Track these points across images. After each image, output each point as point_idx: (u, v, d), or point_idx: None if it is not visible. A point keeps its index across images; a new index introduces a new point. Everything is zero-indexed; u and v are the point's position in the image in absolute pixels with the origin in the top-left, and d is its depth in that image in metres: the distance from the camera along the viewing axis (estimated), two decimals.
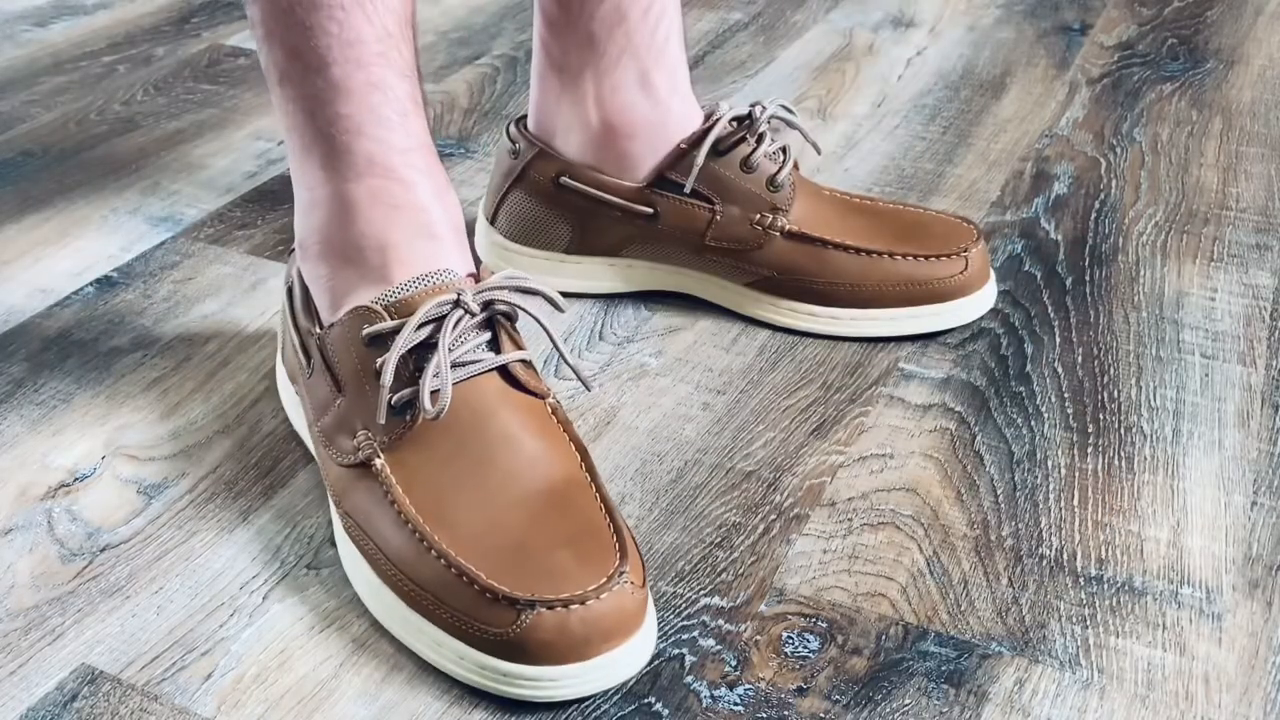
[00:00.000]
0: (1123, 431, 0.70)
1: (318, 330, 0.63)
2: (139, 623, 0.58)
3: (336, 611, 0.59)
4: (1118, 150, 0.99)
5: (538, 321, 0.60)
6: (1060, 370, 0.74)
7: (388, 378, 0.57)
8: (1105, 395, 0.72)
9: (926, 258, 0.76)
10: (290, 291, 0.67)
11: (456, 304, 0.58)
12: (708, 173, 0.76)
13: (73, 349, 0.77)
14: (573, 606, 0.52)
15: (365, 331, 0.59)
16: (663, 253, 0.79)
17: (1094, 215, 0.90)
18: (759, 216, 0.76)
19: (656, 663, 0.56)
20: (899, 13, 1.27)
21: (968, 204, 0.92)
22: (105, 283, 0.84)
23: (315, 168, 0.63)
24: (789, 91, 1.10)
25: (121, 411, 0.72)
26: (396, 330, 0.58)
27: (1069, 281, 0.83)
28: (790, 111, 0.78)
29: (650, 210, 0.77)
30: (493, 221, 0.81)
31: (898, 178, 0.96)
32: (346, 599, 0.59)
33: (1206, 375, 0.74)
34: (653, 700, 0.54)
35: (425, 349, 0.58)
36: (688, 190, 0.76)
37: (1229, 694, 0.55)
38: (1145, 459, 0.68)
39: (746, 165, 0.76)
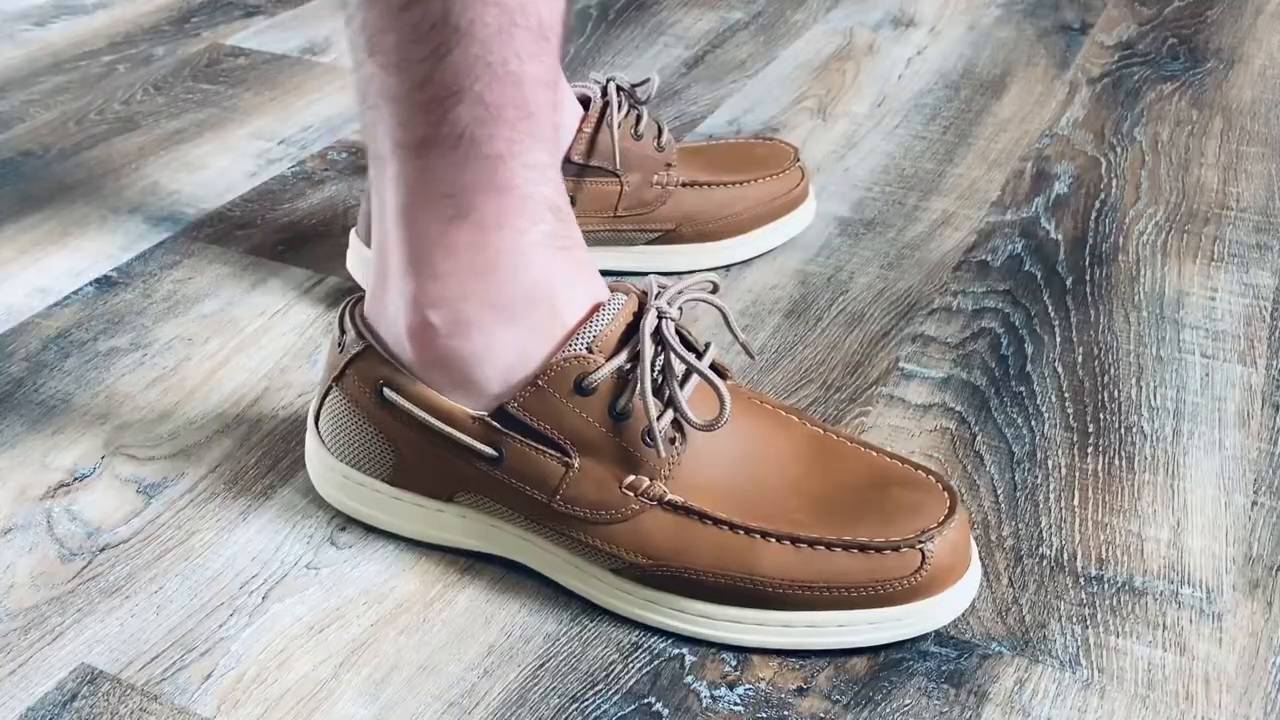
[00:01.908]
0: (1123, 431, 0.70)
1: (494, 414, 0.57)
2: (139, 623, 0.58)
3: (336, 611, 0.59)
4: (1118, 150, 0.99)
5: (712, 303, 0.59)
6: (1060, 370, 0.74)
7: (653, 408, 0.55)
8: (1105, 395, 0.72)
9: (771, 176, 0.85)
10: (383, 398, 0.59)
11: (660, 316, 0.56)
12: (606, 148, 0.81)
13: (72, 349, 0.77)
14: (948, 525, 0.55)
15: (589, 380, 0.55)
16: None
17: (1094, 215, 0.90)
18: (657, 177, 0.82)
19: (656, 663, 0.56)
20: (899, 12, 1.27)
21: (968, 203, 0.92)
22: (105, 282, 0.84)
23: (476, 228, 0.56)
24: (789, 91, 1.10)
25: (121, 411, 0.72)
26: (631, 366, 0.56)
27: (1069, 281, 0.83)
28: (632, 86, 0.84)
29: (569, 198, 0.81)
30: None
31: (898, 177, 0.96)
32: (346, 598, 0.59)
33: (1207, 375, 0.74)
34: (653, 700, 0.54)
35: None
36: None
37: (1229, 694, 0.55)
38: (1145, 459, 0.68)
39: (636, 134, 0.82)
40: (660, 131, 0.83)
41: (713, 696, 0.55)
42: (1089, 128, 1.03)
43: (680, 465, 0.57)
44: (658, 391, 0.56)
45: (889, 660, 0.56)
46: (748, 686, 0.55)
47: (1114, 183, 0.94)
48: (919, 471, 0.58)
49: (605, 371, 0.56)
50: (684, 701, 0.54)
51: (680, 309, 0.57)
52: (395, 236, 0.57)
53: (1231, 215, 0.90)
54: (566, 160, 0.80)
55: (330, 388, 0.62)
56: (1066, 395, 0.72)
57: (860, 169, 0.97)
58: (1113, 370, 0.74)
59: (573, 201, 0.80)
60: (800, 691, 0.55)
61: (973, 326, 0.78)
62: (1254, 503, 0.65)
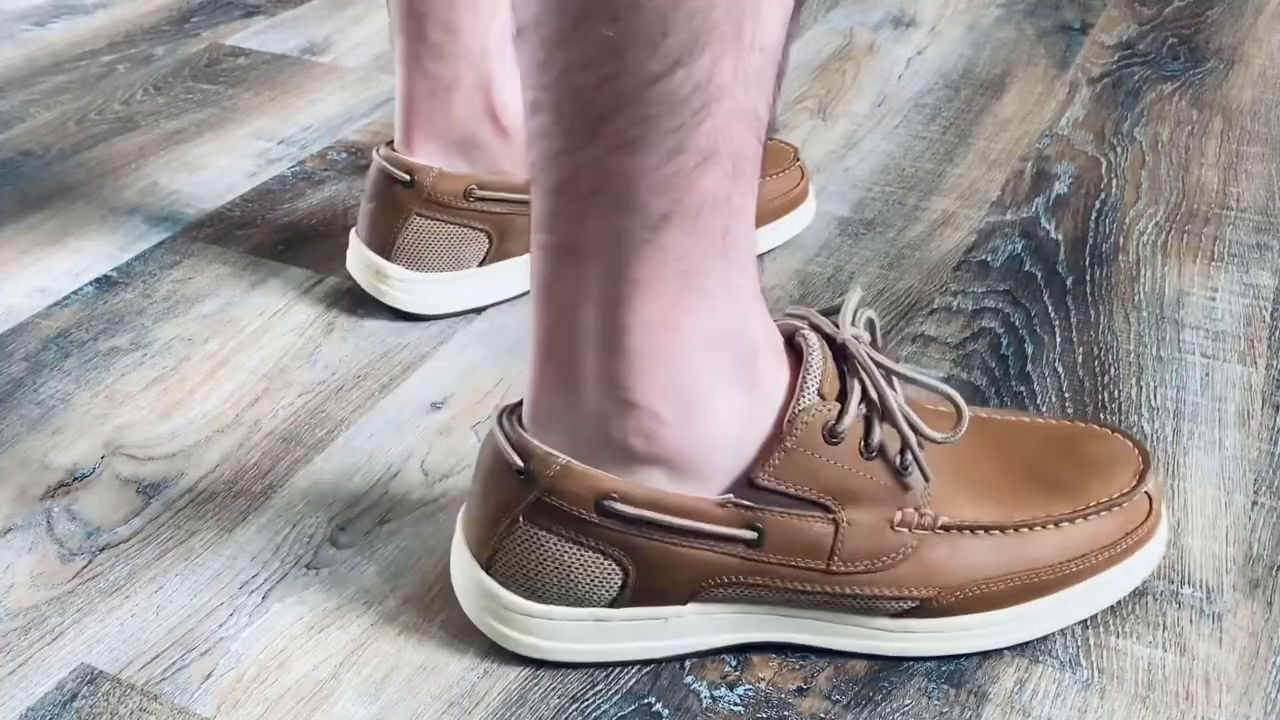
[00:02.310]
0: None
1: (741, 492, 0.52)
2: (138, 622, 0.58)
3: (336, 611, 0.59)
4: (1118, 150, 0.99)
5: (871, 319, 0.56)
6: (1060, 370, 0.74)
7: (911, 436, 0.52)
8: (1105, 395, 0.72)
9: (771, 176, 0.83)
10: (605, 512, 0.52)
11: (857, 340, 0.53)
12: None
13: (72, 349, 0.77)
14: (1151, 463, 0.59)
15: (839, 426, 0.52)
16: None
17: (1094, 215, 0.90)
18: None
19: (657, 663, 0.56)
20: (899, 12, 1.27)
21: (968, 203, 0.92)
22: (105, 282, 0.84)
23: (703, 298, 0.50)
24: (789, 91, 1.10)
25: (121, 411, 0.72)
26: (879, 407, 0.52)
27: (1069, 281, 0.83)
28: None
29: None
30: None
31: (898, 177, 0.96)
32: (346, 598, 0.59)
33: (1207, 375, 0.74)
34: (653, 700, 0.54)
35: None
36: None
37: (1229, 694, 0.55)
38: None
39: None
40: None
41: (713, 696, 0.55)
42: (1089, 128, 1.03)
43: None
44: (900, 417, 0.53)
45: (889, 660, 0.56)
46: (748, 686, 0.55)
47: (1114, 183, 0.94)
48: (1079, 424, 0.60)
49: (852, 413, 0.52)
50: (684, 701, 0.54)
51: (862, 327, 0.54)
52: (602, 333, 0.50)
53: (1231, 215, 0.90)
54: None
55: (512, 527, 0.54)
56: (1066, 395, 0.72)
57: (860, 169, 0.97)
58: (1113, 370, 0.74)
59: None
60: (800, 691, 0.55)
61: (973, 326, 0.78)
62: (1254, 503, 0.65)
